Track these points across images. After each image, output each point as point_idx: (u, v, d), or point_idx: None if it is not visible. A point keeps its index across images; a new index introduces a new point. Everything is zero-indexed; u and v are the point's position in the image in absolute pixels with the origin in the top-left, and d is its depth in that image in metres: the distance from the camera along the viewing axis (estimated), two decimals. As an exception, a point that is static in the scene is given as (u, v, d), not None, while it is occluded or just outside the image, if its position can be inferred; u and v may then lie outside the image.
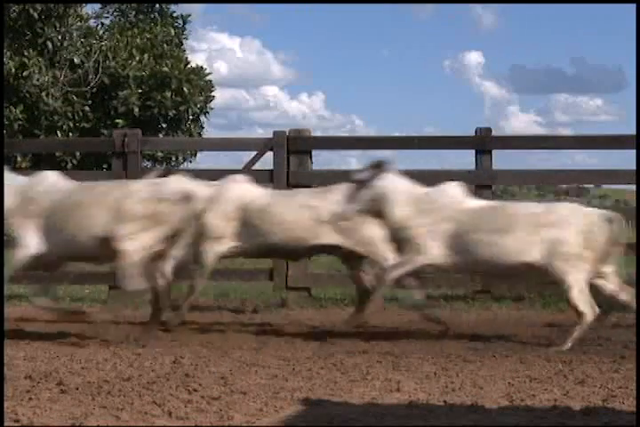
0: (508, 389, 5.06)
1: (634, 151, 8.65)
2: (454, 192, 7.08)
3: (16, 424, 4.24)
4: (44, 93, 12.19)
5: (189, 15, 14.98)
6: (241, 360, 5.94)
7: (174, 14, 14.81)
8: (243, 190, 7.65)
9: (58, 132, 12.61)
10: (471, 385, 5.14)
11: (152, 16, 14.75)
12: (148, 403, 4.65)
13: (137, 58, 13.21)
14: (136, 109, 12.92)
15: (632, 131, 9.01)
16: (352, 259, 7.50)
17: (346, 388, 5.06)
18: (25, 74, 12.05)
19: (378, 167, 7.09)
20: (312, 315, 8.08)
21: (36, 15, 12.10)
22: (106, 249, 6.80)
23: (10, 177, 7.18)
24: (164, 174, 7.41)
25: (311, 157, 9.46)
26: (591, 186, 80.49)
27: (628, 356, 6.08)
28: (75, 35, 12.90)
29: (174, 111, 13.20)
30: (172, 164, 14.16)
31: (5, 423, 4.21)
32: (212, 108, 14.35)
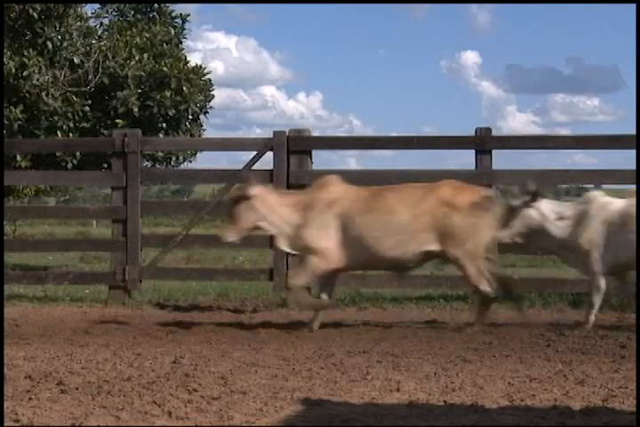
0: (508, 389, 5.06)
1: (634, 151, 8.66)
2: None
3: (16, 424, 4.24)
4: (43, 93, 12.17)
5: (188, 15, 14.95)
6: (241, 360, 5.94)
7: (172, 14, 14.79)
8: None
9: (58, 132, 12.59)
10: (471, 385, 5.14)
11: (151, 16, 14.73)
12: (148, 403, 4.65)
13: (136, 57, 13.20)
14: (135, 109, 12.90)
15: (630, 130, 9.02)
16: None
17: (346, 388, 5.06)
18: (25, 74, 12.01)
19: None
20: (312, 315, 8.07)
21: (35, 15, 12.07)
22: None
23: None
24: None
25: (311, 157, 9.46)
26: (591, 186, 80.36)
27: (627, 356, 6.09)
28: (74, 35, 12.87)
29: (174, 110, 13.18)
30: (172, 164, 14.14)
31: (5, 423, 4.21)
32: (211, 108, 14.34)
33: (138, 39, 13.58)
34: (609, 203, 7.46)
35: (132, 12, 14.86)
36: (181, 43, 14.78)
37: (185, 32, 14.93)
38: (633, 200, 7.35)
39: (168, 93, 13.09)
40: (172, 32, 14.42)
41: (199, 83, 13.64)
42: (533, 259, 13.17)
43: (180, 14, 14.90)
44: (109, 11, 14.87)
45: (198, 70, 13.87)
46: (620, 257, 7.28)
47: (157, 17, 14.65)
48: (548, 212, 7.48)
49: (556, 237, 7.46)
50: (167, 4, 14.86)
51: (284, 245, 7.51)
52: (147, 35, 13.77)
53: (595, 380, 5.30)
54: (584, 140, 9.36)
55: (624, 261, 7.30)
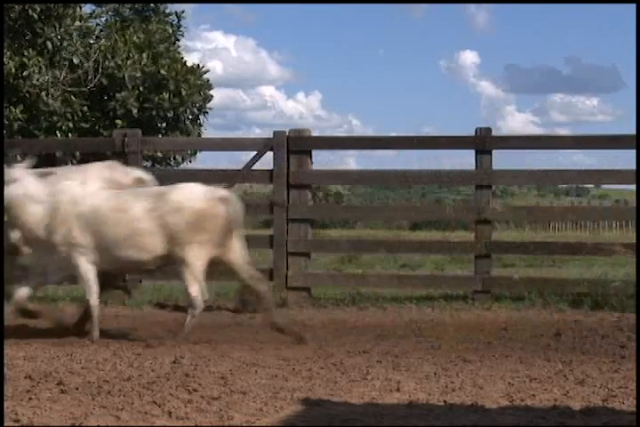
0: (508, 389, 5.06)
1: (634, 151, 8.65)
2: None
3: (16, 424, 4.24)
4: (43, 93, 12.19)
5: (183, 11, 14.95)
6: (241, 360, 5.94)
7: (167, 11, 14.82)
8: None
9: (57, 132, 12.60)
10: (471, 385, 5.14)
11: (147, 15, 14.76)
12: (148, 403, 4.65)
13: (135, 57, 13.20)
14: (134, 111, 12.91)
15: (630, 130, 9.02)
16: None
17: (346, 388, 5.06)
18: (25, 74, 12.04)
19: None
20: (312, 315, 8.08)
21: (35, 15, 12.10)
22: None
23: None
24: None
25: (311, 157, 9.45)
26: (591, 186, 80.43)
27: (627, 356, 6.09)
28: (74, 35, 12.89)
29: (172, 113, 13.20)
30: (172, 164, 14.16)
31: (5, 423, 4.21)
32: (210, 109, 14.34)
33: (135, 38, 13.59)
34: (82, 197, 7.04)
35: (129, 11, 14.89)
36: (178, 40, 14.80)
37: (182, 29, 14.97)
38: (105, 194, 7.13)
39: (166, 95, 13.09)
40: (170, 30, 14.44)
41: (197, 83, 13.65)
42: (534, 259, 13.16)
43: (175, 12, 14.92)
44: (106, 10, 14.89)
45: (196, 70, 13.87)
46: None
47: (153, 15, 14.68)
48: None
49: None
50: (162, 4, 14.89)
51: None
52: (143, 35, 13.78)
53: (595, 380, 5.30)
54: (584, 140, 9.35)
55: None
